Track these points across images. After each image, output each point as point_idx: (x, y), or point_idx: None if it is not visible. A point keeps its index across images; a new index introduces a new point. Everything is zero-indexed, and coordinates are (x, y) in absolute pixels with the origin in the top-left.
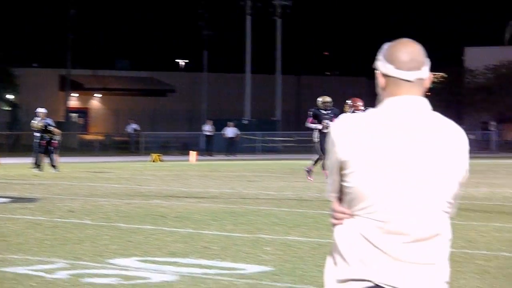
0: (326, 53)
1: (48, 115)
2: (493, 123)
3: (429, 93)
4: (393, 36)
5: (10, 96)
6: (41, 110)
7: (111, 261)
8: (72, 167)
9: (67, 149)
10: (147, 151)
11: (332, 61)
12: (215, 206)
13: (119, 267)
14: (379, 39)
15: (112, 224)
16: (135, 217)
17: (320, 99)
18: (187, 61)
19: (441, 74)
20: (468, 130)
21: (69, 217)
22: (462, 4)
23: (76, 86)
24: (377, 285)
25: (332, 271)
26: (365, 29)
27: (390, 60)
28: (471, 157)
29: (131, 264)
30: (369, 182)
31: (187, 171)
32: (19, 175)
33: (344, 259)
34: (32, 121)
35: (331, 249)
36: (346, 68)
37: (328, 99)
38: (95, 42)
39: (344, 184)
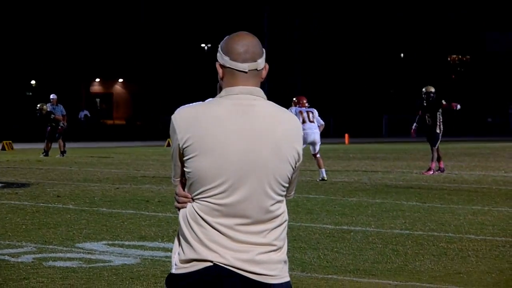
0: None
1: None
2: None
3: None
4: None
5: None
6: (52, 96)
7: (79, 245)
8: (80, 152)
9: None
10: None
11: None
12: None
13: (85, 251)
14: None
15: (94, 208)
16: (119, 202)
17: None
18: None
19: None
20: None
21: (54, 202)
22: None
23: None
24: (215, 265)
25: (177, 252)
26: None
27: (226, 51)
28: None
29: (98, 248)
30: (207, 167)
31: None
32: (24, 161)
33: (187, 240)
34: (43, 107)
35: (177, 231)
36: None
37: None
38: None
39: (185, 169)
